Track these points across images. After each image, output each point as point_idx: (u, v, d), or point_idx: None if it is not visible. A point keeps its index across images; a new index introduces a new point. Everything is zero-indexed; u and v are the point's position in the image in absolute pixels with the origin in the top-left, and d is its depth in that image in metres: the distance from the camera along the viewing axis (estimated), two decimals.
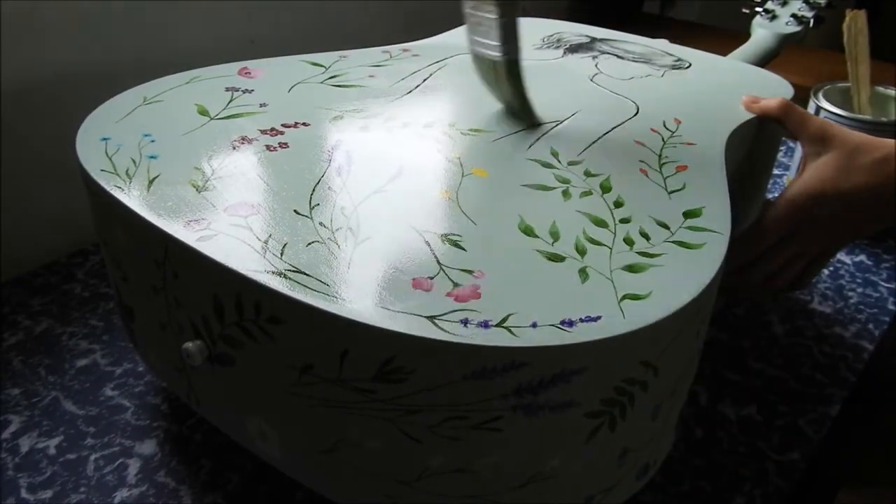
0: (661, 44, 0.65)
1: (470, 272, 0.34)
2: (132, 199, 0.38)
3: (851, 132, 0.47)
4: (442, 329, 0.30)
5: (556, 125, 0.48)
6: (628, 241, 0.37)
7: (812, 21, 0.65)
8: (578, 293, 0.33)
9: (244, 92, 0.50)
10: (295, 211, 0.38)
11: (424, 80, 0.53)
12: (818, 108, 0.69)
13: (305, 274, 0.33)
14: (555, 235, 0.37)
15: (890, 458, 0.95)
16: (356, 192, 0.39)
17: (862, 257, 0.69)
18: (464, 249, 0.36)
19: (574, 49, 0.62)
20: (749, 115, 0.51)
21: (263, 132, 0.45)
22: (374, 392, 0.32)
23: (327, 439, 0.35)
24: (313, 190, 0.39)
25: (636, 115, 0.50)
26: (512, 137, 0.46)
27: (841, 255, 0.69)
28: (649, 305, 0.32)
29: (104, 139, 0.43)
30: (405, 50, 0.59)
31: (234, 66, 0.53)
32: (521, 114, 0.48)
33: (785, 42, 0.66)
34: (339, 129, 0.46)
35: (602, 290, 0.33)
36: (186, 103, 0.48)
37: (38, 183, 0.64)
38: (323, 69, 0.54)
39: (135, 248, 0.40)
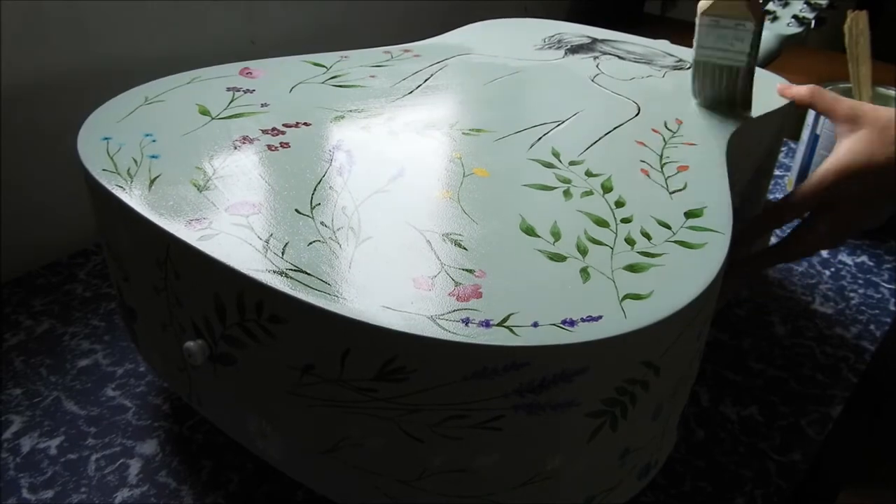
0: (663, 44, 0.65)
1: (471, 272, 0.34)
2: (134, 198, 0.38)
3: (881, 108, 0.48)
4: (443, 328, 0.30)
5: (557, 125, 0.48)
6: (629, 241, 0.37)
7: (813, 22, 0.65)
8: (580, 293, 0.33)
9: (245, 92, 0.50)
10: (296, 210, 0.38)
11: (426, 80, 0.53)
12: None
13: (307, 273, 0.33)
14: (556, 235, 0.37)
15: (891, 459, 0.95)
16: (357, 192, 0.39)
17: (863, 258, 0.69)
18: (465, 249, 0.36)
19: (575, 50, 0.62)
20: (749, 116, 0.51)
21: (265, 132, 0.45)
22: (376, 391, 0.32)
23: (328, 439, 0.35)
24: (314, 189, 0.39)
25: (637, 115, 0.50)
26: (513, 137, 0.46)
27: (842, 256, 0.69)
28: (651, 305, 0.32)
29: (106, 139, 0.43)
30: (406, 50, 0.59)
31: (236, 67, 0.53)
32: (740, 110, 0.51)
33: (786, 43, 0.66)
34: (340, 129, 0.46)
35: (603, 290, 0.33)
36: (188, 103, 0.48)
37: (39, 183, 0.64)
38: (324, 69, 0.54)
39: (136, 248, 0.40)
